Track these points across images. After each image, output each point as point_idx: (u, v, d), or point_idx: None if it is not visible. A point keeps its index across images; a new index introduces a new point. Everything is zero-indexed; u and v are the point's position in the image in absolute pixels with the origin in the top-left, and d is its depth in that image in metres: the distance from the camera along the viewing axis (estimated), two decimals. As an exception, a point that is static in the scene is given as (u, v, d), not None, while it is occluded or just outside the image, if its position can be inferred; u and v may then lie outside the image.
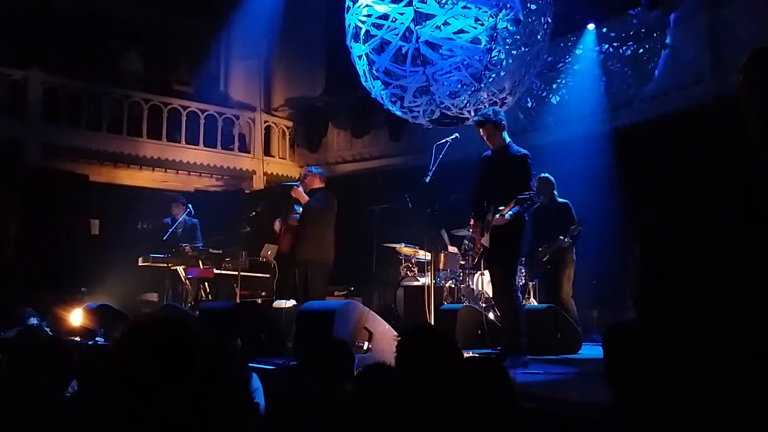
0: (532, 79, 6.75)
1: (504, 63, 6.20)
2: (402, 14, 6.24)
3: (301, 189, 7.17)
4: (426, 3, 6.15)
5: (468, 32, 6.18)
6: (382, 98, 6.86)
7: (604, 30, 10.10)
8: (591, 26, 10.05)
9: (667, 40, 9.41)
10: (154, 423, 1.44)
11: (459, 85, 6.32)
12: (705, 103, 8.66)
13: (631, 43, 9.87)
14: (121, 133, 12.32)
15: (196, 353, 1.51)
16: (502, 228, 5.23)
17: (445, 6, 6.12)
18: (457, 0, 6.08)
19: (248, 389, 2.42)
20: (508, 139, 5.47)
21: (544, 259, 7.09)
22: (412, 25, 6.18)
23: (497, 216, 5.15)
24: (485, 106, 6.37)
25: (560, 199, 7.23)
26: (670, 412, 1.69)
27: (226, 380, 2.15)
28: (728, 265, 1.35)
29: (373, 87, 6.86)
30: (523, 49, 6.18)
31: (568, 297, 6.97)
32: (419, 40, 6.19)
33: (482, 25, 6.06)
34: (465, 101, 6.28)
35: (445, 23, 6.15)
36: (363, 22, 6.54)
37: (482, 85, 6.13)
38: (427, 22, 6.14)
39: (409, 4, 6.17)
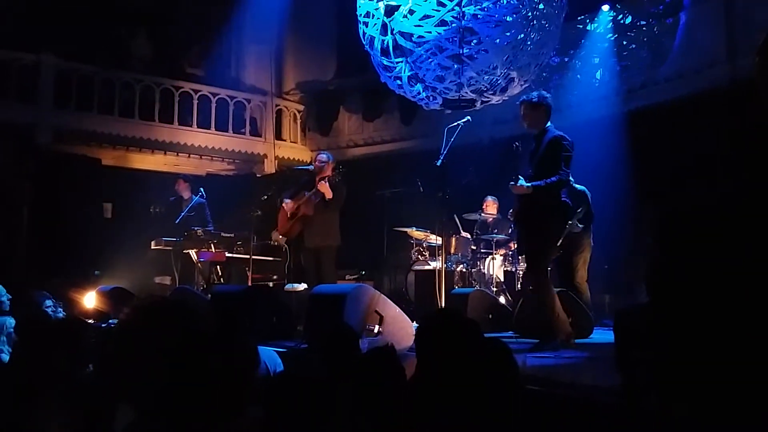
0: (538, 56, 6.56)
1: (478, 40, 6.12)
2: (377, 9, 6.35)
3: (327, 185, 7.14)
4: None
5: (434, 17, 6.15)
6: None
7: (619, 12, 10.00)
8: (605, 7, 9.95)
9: (682, 22, 9.31)
10: (159, 402, 1.45)
11: (441, 69, 6.28)
12: (720, 86, 8.57)
13: (645, 25, 9.77)
14: (133, 116, 12.35)
15: (200, 334, 1.51)
16: (531, 214, 5.23)
17: None
18: None
19: (255, 371, 2.43)
20: (548, 123, 5.35)
21: (558, 244, 7.03)
22: (384, 18, 6.24)
23: (513, 183, 5.14)
24: (486, 87, 6.34)
25: (577, 186, 7.14)
26: (679, 397, 1.67)
27: (234, 361, 2.16)
28: (744, 254, 1.33)
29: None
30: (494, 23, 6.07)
31: (582, 281, 6.93)
32: (393, 32, 6.24)
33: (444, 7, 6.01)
34: (455, 83, 6.24)
35: (412, 11, 6.13)
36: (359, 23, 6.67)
37: (456, 66, 6.08)
38: (395, 13, 6.17)
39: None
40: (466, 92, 6.40)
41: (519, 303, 6.55)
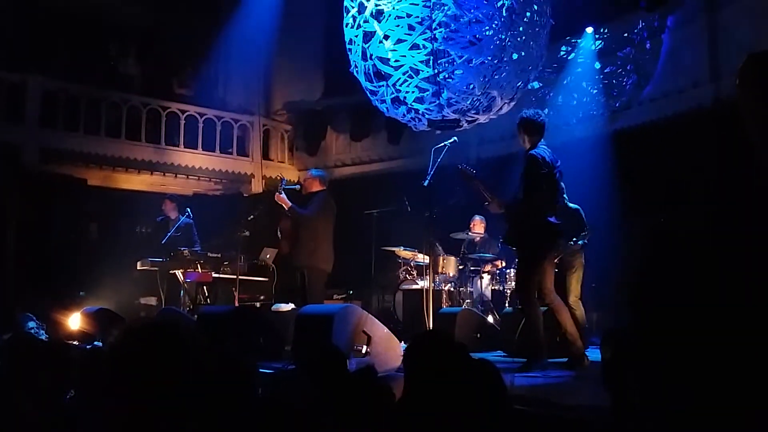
0: (519, 74, 6.52)
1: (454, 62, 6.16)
2: (357, 36, 6.47)
3: (283, 195, 7.07)
4: (368, 22, 6.29)
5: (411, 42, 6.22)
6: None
7: (603, 33, 10.13)
8: (589, 29, 10.07)
9: (666, 43, 9.43)
10: (148, 425, 1.44)
11: (420, 91, 6.33)
12: (703, 106, 8.68)
13: (629, 46, 9.89)
14: (120, 136, 12.31)
15: (189, 357, 1.50)
16: (520, 236, 5.37)
17: (381, 21, 6.21)
18: (390, 12, 6.12)
19: (251, 391, 2.41)
20: (537, 142, 5.42)
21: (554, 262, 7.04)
22: (363, 45, 6.37)
23: (488, 203, 5.40)
24: (467, 107, 6.37)
25: (571, 205, 7.16)
26: (666, 416, 1.68)
27: (228, 382, 2.14)
28: (728, 272, 1.34)
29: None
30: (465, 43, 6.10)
31: (576, 299, 6.93)
32: (372, 57, 6.33)
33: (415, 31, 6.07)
34: (435, 104, 6.27)
35: (386, 36, 6.21)
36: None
37: (433, 87, 6.13)
38: (372, 38, 6.29)
39: (359, 26, 6.37)
40: (448, 113, 6.42)
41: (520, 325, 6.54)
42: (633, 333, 2.11)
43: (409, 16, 6.04)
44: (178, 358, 1.47)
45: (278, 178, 7.67)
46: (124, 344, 1.48)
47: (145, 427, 1.43)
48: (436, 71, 6.02)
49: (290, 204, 7.02)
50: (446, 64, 6.20)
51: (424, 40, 5.98)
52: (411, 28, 6.06)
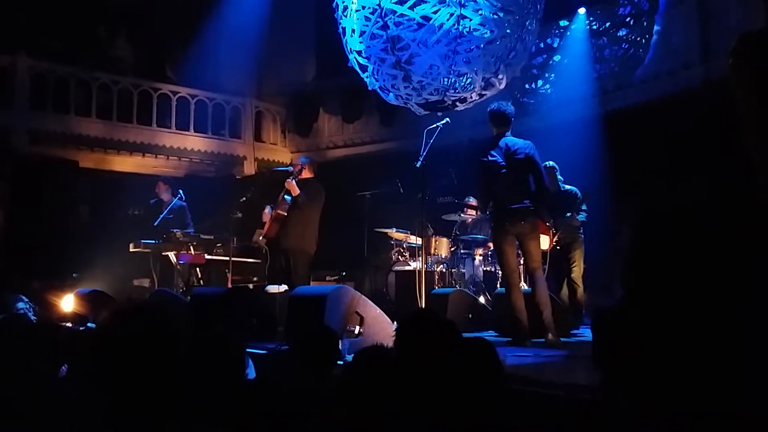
0: (494, 49, 6.35)
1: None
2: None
3: (294, 182, 7.25)
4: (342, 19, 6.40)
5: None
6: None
7: (595, 14, 10.10)
8: (582, 10, 10.04)
9: (657, 25, 9.42)
10: (135, 405, 1.45)
11: (392, 78, 6.32)
12: (694, 87, 8.69)
13: (621, 27, 9.87)
14: (111, 118, 12.25)
15: (177, 338, 1.51)
16: None
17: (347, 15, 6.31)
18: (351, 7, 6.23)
19: (241, 374, 2.42)
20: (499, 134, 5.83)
21: (555, 241, 7.08)
22: (342, 38, 6.48)
23: None
24: (442, 88, 6.34)
25: (566, 186, 7.17)
26: (656, 395, 1.70)
27: (218, 364, 2.15)
28: (719, 253, 1.35)
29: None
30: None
31: (579, 276, 7.03)
32: (351, 51, 6.40)
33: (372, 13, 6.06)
34: (411, 88, 6.24)
35: (353, 30, 6.27)
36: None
37: (401, 74, 6.12)
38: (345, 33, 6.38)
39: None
40: (427, 96, 6.36)
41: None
42: (624, 313, 2.13)
43: (364, 8, 6.03)
44: (165, 340, 1.48)
45: (293, 163, 7.78)
46: (111, 326, 1.48)
47: (132, 408, 1.44)
48: (395, 57, 6.02)
49: (299, 191, 7.16)
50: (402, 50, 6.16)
51: (378, 29, 5.96)
52: (368, 18, 6.04)
